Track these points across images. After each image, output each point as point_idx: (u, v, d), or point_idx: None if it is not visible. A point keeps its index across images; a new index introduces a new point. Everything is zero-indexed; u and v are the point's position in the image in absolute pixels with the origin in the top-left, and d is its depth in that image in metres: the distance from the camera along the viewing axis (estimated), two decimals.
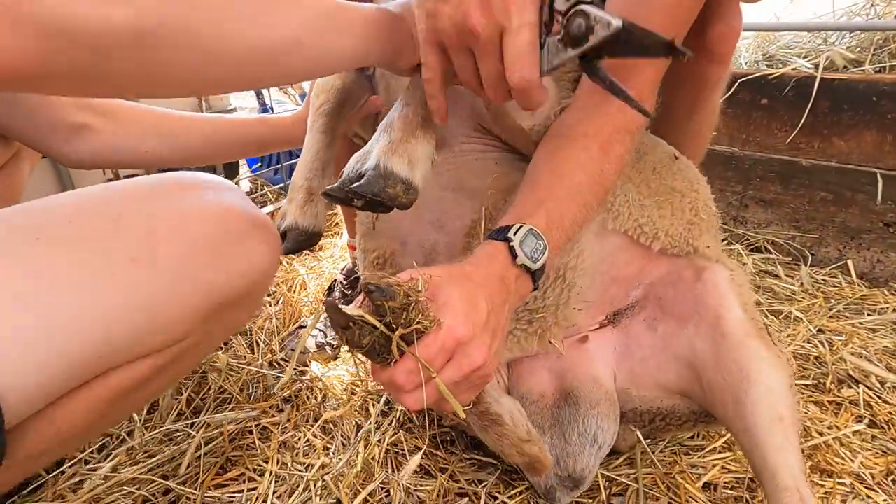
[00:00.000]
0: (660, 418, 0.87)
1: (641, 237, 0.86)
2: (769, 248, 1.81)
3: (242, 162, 2.66)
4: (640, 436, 0.91)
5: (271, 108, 2.35)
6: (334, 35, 0.59)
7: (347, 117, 1.03)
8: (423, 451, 0.92)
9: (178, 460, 0.93)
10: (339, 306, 0.51)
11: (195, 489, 0.89)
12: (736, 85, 1.71)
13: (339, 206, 1.46)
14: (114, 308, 0.49)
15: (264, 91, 2.32)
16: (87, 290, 0.48)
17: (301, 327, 1.34)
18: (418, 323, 0.52)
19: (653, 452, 0.96)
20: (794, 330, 1.39)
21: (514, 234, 0.63)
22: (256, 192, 2.30)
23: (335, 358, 1.25)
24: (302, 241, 1.07)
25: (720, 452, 0.98)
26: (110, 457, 0.92)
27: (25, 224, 0.49)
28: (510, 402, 0.83)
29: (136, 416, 1.03)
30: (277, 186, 2.32)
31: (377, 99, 1.00)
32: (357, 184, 0.64)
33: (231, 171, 2.16)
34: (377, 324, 0.51)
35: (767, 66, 1.78)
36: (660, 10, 0.73)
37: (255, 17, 0.52)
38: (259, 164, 2.62)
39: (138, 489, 0.87)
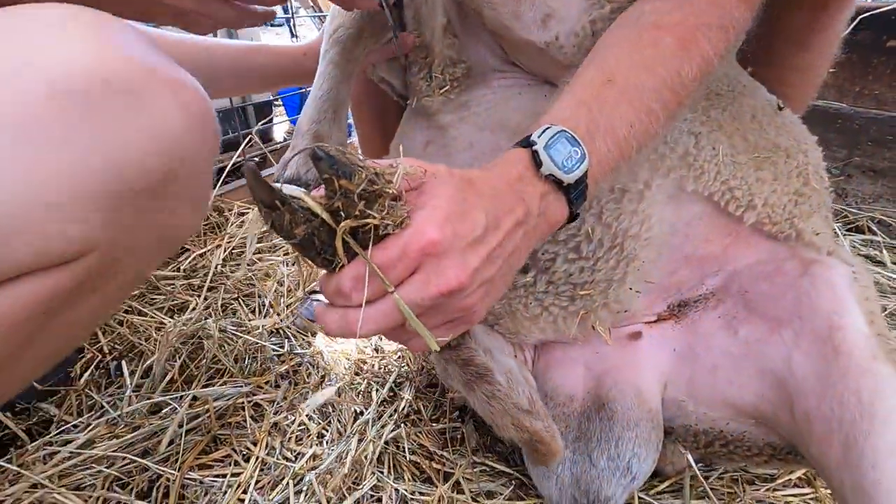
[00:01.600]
0: (721, 443, 0.69)
1: (731, 204, 0.66)
2: (874, 227, 1.49)
3: (280, 110, 2.55)
4: (690, 459, 0.73)
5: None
6: None
7: (369, 52, 0.85)
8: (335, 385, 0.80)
9: (161, 436, 0.85)
10: (263, 177, 0.37)
11: (175, 469, 0.81)
12: (855, 22, 1.37)
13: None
14: None
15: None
16: None
17: (314, 292, 1.22)
18: (384, 216, 0.38)
19: (707, 479, 0.78)
20: None
21: (539, 136, 0.46)
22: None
23: None
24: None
25: (797, 486, 0.79)
26: (89, 427, 0.85)
27: None
28: (509, 362, 0.68)
29: (127, 381, 0.95)
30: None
31: (408, 36, 0.82)
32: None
33: (262, 115, 2.04)
34: (316, 207, 0.37)
35: None
36: None
37: None
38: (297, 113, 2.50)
39: (110, 467, 0.79)
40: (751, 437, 0.67)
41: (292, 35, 2.09)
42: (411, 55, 0.83)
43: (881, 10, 1.35)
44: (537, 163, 0.46)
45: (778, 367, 0.61)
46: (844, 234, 1.48)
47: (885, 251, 1.40)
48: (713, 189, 0.66)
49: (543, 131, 0.47)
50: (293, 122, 2.57)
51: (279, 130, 2.42)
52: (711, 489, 0.76)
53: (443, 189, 0.41)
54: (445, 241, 0.39)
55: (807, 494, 0.77)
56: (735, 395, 0.66)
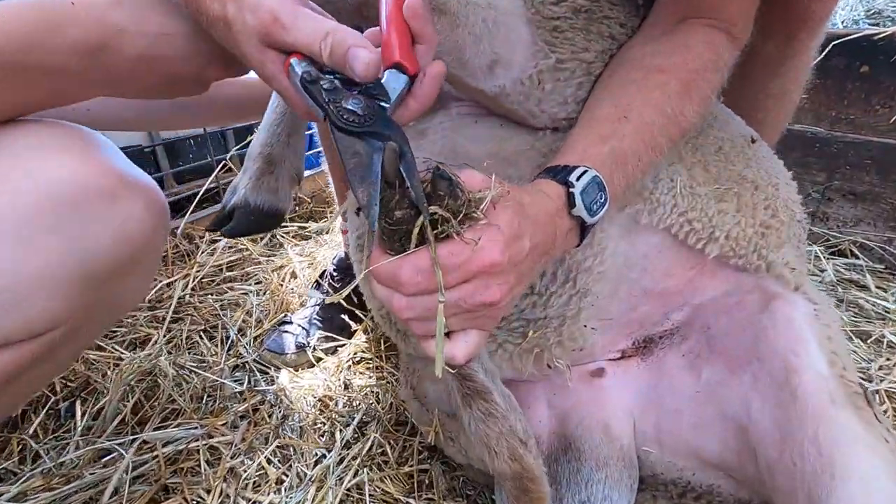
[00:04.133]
0: (692, 496, 0.64)
1: (691, 237, 0.63)
2: (856, 251, 1.48)
3: None
4: None
5: None
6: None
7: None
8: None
9: (103, 486, 0.79)
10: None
11: None
12: (828, 48, 1.38)
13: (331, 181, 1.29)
14: None
15: None
16: None
17: (284, 323, 1.17)
18: (460, 227, 0.44)
19: None
20: (887, 360, 1.09)
21: (577, 179, 0.51)
22: None
23: (312, 365, 1.08)
24: (252, 221, 0.88)
25: None
26: (22, 479, 0.78)
27: None
28: (506, 389, 0.62)
29: (78, 422, 0.89)
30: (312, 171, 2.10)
31: None
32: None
33: (242, 140, 2.01)
34: (422, 199, 0.43)
35: (871, 24, 1.43)
36: None
37: None
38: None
39: None
40: (721, 491, 0.63)
41: None
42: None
43: (853, 36, 1.36)
44: (571, 203, 0.50)
45: (738, 413, 0.58)
46: (827, 258, 1.46)
47: (867, 275, 1.38)
48: (670, 222, 0.63)
49: (582, 174, 0.51)
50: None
51: None
52: None
53: (505, 214, 0.45)
54: (503, 263, 0.44)
55: None
56: (699, 443, 0.62)
